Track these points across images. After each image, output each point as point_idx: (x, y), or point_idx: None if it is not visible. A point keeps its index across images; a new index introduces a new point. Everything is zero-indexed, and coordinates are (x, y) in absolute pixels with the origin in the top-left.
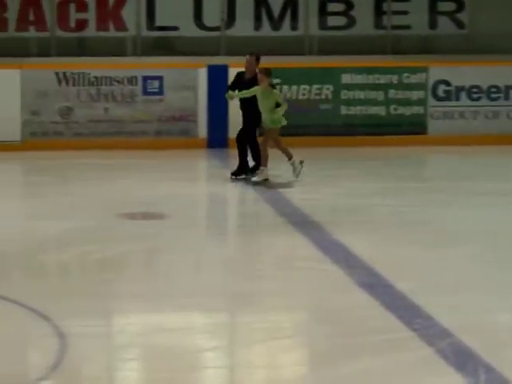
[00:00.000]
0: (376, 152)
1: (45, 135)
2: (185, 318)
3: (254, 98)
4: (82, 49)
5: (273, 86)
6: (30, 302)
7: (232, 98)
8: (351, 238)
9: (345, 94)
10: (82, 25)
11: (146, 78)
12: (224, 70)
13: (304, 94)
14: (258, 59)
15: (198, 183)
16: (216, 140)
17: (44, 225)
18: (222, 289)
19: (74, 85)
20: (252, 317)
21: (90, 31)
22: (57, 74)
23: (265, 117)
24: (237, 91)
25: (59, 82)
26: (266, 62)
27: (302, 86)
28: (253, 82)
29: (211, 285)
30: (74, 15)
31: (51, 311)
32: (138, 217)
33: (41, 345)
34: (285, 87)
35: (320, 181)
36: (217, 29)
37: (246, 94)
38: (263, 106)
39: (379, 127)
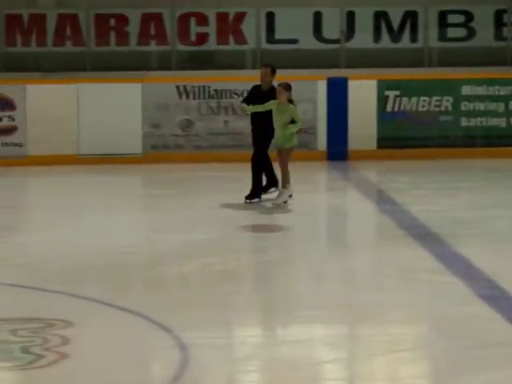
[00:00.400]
0: (496, 164)
1: (165, 148)
2: (305, 329)
3: (268, 114)
4: (202, 62)
5: (291, 102)
6: (151, 313)
7: (246, 111)
8: (472, 250)
9: (465, 106)
10: (202, 38)
11: None
12: (344, 82)
13: (424, 106)
14: (273, 71)
15: (318, 195)
16: (335, 152)
17: (165, 237)
18: (343, 301)
19: (194, 98)
20: (372, 329)
21: (211, 45)
22: (177, 87)
23: (278, 133)
24: (251, 105)
25: (180, 95)
26: (385, 74)
27: (422, 98)
28: (269, 94)
29: (332, 297)
30: (194, 29)
31: (172, 323)
32: (258, 229)
33: (162, 356)
34: (404, 99)
35: (439, 192)
36: (336, 41)
37: (261, 108)
38: (277, 121)
39: (499, 139)
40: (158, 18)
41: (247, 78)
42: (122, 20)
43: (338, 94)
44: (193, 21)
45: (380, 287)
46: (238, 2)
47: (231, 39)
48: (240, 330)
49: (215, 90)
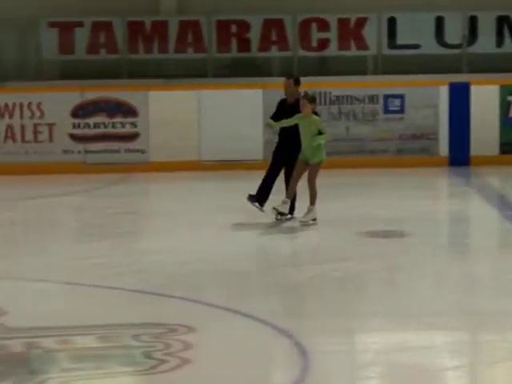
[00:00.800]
0: None
1: None
2: (426, 336)
3: (296, 129)
4: (323, 68)
5: (315, 114)
6: (272, 319)
7: (273, 128)
8: None
9: None
10: (323, 44)
11: (387, 97)
12: (465, 87)
13: None
14: (296, 82)
15: (439, 201)
16: (457, 158)
17: (284, 243)
18: (464, 307)
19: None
20: (493, 336)
21: (332, 50)
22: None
23: (305, 145)
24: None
25: None
26: (508, 78)
27: None
28: (296, 107)
29: (453, 303)
30: (315, 35)
31: (293, 329)
32: (378, 235)
33: (283, 362)
34: None
35: None
36: (458, 46)
37: (286, 123)
38: (304, 134)
39: None
40: (279, 24)
41: (369, 84)
42: (244, 26)
43: (460, 99)
44: (314, 26)
45: (501, 294)
46: (359, 8)
47: (352, 45)
48: (361, 336)
49: (336, 96)
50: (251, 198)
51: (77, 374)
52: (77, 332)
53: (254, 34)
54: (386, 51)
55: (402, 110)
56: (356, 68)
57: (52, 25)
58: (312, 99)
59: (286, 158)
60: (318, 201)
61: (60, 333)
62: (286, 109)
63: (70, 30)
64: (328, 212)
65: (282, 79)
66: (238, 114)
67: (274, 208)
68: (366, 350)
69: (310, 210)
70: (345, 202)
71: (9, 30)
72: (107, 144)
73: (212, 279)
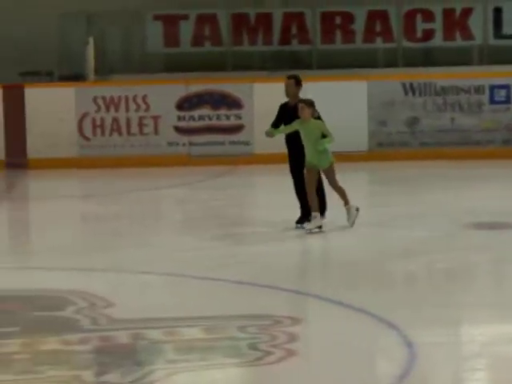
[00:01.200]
0: None
1: (390, 145)
2: None
3: (296, 134)
4: (428, 59)
5: (318, 118)
6: (377, 311)
7: (272, 136)
8: None
9: None
10: (428, 35)
11: (492, 87)
12: None
13: None
14: (298, 82)
15: None
16: None
17: (390, 234)
18: None
19: (420, 95)
20: None
21: (437, 41)
22: (403, 84)
23: (309, 152)
24: (282, 126)
25: (405, 92)
26: None
27: None
28: (297, 110)
29: None
30: (420, 25)
31: (399, 320)
32: (484, 226)
33: (389, 354)
34: None
35: None
36: None
37: (287, 129)
38: (306, 140)
39: None
40: (383, 15)
41: (474, 75)
42: (348, 18)
43: None
44: (419, 17)
45: None
46: None
47: (458, 35)
48: (468, 328)
49: (441, 87)
50: (300, 222)
51: (182, 365)
52: (182, 323)
53: (359, 26)
54: (492, 41)
55: (508, 101)
56: (461, 58)
57: (157, 18)
58: (310, 104)
59: (295, 164)
60: (425, 192)
61: (166, 324)
62: (287, 112)
63: (175, 22)
64: (434, 203)
65: (387, 70)
66: (343, 105)
67: (308, 230)
68: (472, 341)
69: (348, 209)
70: (451, 193)
71: (114, 23)
72: (212, 136)
73: (317, 271)
